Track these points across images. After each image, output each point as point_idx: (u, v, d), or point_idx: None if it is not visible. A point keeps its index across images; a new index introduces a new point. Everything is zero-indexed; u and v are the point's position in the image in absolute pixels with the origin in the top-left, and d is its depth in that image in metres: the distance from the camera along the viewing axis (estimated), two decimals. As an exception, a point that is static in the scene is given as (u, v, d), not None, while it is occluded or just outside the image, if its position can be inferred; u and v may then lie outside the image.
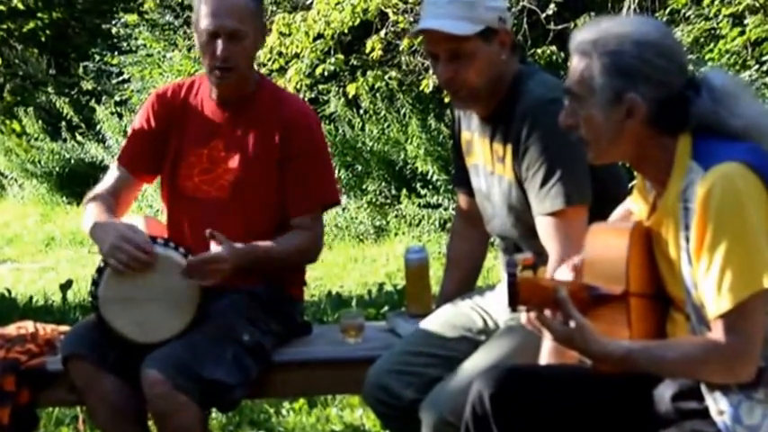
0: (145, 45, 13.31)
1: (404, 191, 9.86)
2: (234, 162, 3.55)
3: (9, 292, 7.43)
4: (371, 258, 9.23)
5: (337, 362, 3.53)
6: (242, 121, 3.58)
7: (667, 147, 2.49)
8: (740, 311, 2.33)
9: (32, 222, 12.87)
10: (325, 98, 10.63)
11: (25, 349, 3.55)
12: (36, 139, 13.89)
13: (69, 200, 13.72)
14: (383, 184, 10.35)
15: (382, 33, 9.59)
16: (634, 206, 2.70)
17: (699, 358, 2.39)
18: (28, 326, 3.74)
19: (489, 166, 3.18)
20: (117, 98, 13.82)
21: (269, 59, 10.15)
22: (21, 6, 10.16)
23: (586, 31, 2.52)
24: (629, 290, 2.48)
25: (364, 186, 10.36)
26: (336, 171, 12.41)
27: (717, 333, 2.37)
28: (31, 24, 10.46)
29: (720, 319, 2.35)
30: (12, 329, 3.72)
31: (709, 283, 2.36)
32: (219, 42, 3.44)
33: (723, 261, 2.33)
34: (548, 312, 2.49)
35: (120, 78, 14.08)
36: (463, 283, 3.48)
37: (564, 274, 2.66)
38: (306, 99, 11.60)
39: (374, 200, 10.35)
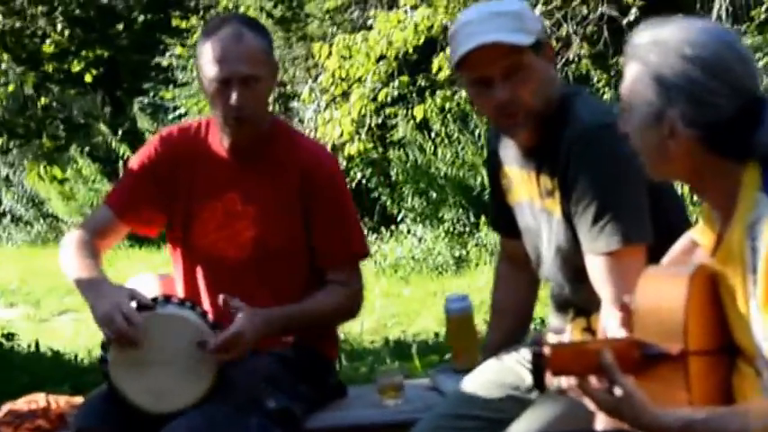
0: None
1: (483, 218, 9.71)
2: (253, 216, 3.43)
3: (56, 352, 7.41)
4: (452, 292, 9.10)
5: (374, 427, 3.40)
6: (257, 169, 3.45)
7: (730, 174, 2.31)
8: None
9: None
10: (393, 122, 10.54)
11: (35, 426, 3.48)
12: (93, 182, 14.00)
13: (131, 243, 13.78)
14: (460, 211, 10.26)
15: (449, 51, 9.44)
16: (699, 237, 2.52)
17: None
18: (39, 399, 3.66)
19: (538, 202, 3.01)
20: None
21: (331, 84, 10.09)
22: (50, 49, 10.25)
23: (642, 35, 2.38)
24: (688, 348, 2.29)
25: (440, 215, 10.29)
26: (410, 199, 12.35)
27: None
28: (76, 66, 10.55)
29: None
30: (22, 403, 3.65)
31: None
32: (232, 90, 3.31)
33: None
34: (593, 379, 2.30)
35: (177, 113, 14.15)
36: (510, 334, 3.30)
37: (611, 322, 2.47)
38: (372, 124, 11.56)
39: (452, 229, 10.25)
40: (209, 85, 3.34)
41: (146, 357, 3.18)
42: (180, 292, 3.52)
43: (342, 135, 11.74)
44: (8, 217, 20.58)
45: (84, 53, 10.90)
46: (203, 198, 3.47)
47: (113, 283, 3.30)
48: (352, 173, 13.22)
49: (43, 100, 11.27)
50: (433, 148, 10.35)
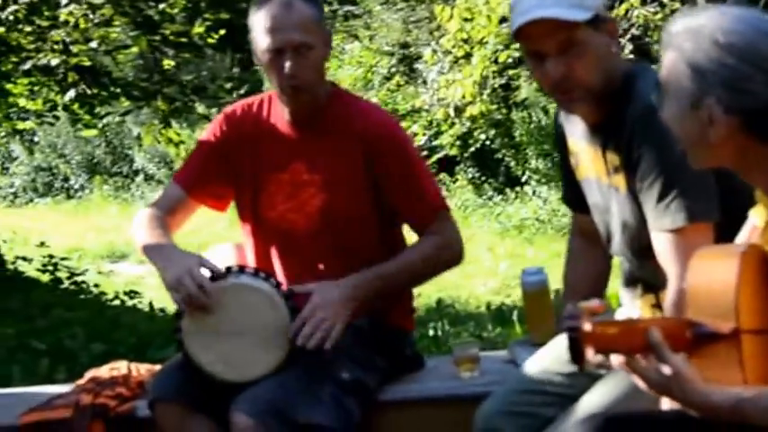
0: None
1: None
2: (319, 184, 3.44)
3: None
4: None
5: (447, 399, 3.38)
6: (320, 138, 3.45)
7: None
8: None
9: (222, 228, 13.15)
10: (516, 84, 10.46)
11: (115, 393, 3.53)
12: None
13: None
14: (585, 170, 10.12)
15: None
16: (757, 218, 2.47)
17: None
18: (121, 367, 3.73)
19: (605, 179, 2.97)
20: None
21: (453, 46, 10.05)
22: (173, 11, 10.39)
23: (677, 23, 2.35)
24: (741, 326, 2.22)
25: (565, 175, 10.14)
26: (533, 161, 12.24)
27: None
28: (198, 28, 10.67)
29: None
30: (104, 371, 3.71)
31: None
32: (286, 58, 3.31)
33: None
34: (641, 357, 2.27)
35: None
36: None
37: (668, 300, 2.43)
38: (496, 86, 11.48)
39: (576, 189, 10.13)
40: (263, 56, 3.35)
41: (219, 327, 3.20)
42: (252, 264, 3.53)
43: (464, 96, 11.72)
44: (141, 176, 21.17)
45: (207, 15, 10.99)
46: (269, 170, 3.48)
47: (183, 249, 3.32)
48: (475, 134, 13.21)
49: (168, 63, 11.40)
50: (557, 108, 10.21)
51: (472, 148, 13.35)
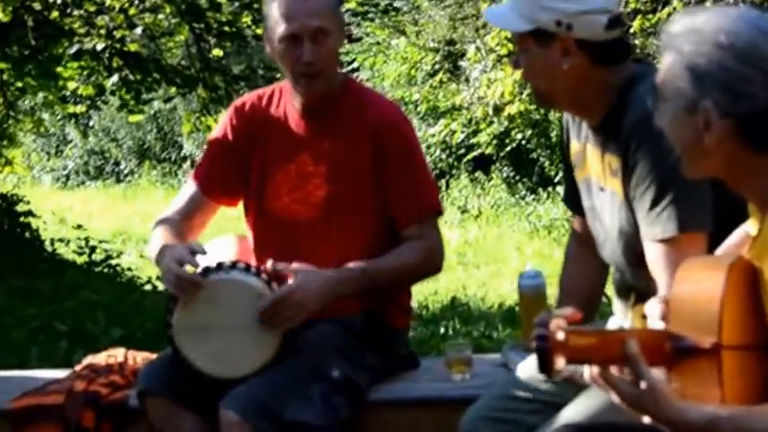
0: (370, 33, 13.38)
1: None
2: (324, 175, 3.36)
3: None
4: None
5: (437, 401, 3.29)
6: (328, 130, 3.38)
7: (766, 170, 2.17)
8: None
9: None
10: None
11: (108, 381, 3.47)
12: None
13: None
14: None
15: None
16: (751, 229, 2.34)
17: None
18: (118, 354, 3.67)
19: (601, 181, 2.87)
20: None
21: (497, 44, 9.94)
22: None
23: (677, 23, 2.24)
24: (722, 342, 2.11)
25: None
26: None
27: None
28: (245, 18, 10.64)
29: None
30: (101, 358, 3.65)
31: None
32: (302, 45, 3.25)
33: None
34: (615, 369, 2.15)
35: (350, 68, 14.19)
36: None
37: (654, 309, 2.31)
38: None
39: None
40: (279, 44, 3.29)
41: (209, 323, 3.15)
42: (253, 255, 3.46)
43: (503, 95, 11.60)
44: (188, 162, 21.23)
45: (254, 6, 10.97)
46: (276, 161, 3.41)
47: (177, 244, 3.26)
48: (512, 133, 13.08)
49: (217, 52, 11.38)
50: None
51: (508, 148, 13.24)
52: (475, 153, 13.74)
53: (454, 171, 14.22)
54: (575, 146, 3.01)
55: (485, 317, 6.82)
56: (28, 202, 11.80)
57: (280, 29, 3.26)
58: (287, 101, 3.44)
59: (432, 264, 3.39)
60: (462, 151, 13.91)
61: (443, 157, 14.34)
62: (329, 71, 3.32)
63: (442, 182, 14.19)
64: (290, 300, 3.13)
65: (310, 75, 3.28)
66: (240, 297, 3.15)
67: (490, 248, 11.37)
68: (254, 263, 3.36)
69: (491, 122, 12.84)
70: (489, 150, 13.51)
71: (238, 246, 3.49)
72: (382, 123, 3.36)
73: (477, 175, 13.89)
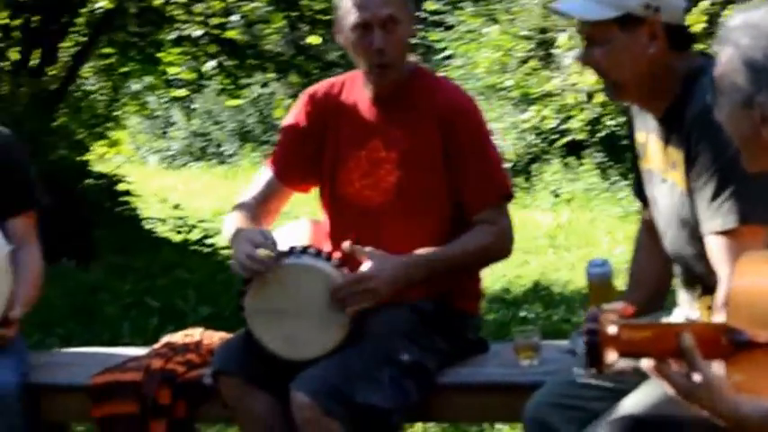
0: (464, 21, 13.34)
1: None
2: (395, 161, 3.36)
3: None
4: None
5: (503, 386, 3.25)
6: (398, 117, 3.38)
7: None
8: None
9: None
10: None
11: (185, 360, 3.48)
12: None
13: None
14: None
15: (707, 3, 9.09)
16: None
17: None
18: (195, 333, 3.68)
19: (662, 173, 2.83)
20: (440, 74, 13.91)
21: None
22: None
23: (735, 18, 2.20)
24: None
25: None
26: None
27: None
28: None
29: None
30: (179, 337, 3.68)
31: None
32: (373, 33, 3.26)
33: None
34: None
35: (443, 55, 14.16)
36: (647, 304, 3.07)
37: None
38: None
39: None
40: (351, 34, 3.30)
41: (280, 306, 3.17)
42: (328, 241, 3.47)
43: (596, 82, 11.45)
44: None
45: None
46: (348, 148, 3.42)
47: (252, 228, 3.30)
48: (604, 119, 12.94)
49: (314, 39, 11.46)
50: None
51: (601, 134, 13.11)
52: (567, 139, 13.63)
53: (546, 156, 14.13)
54: (639, 136, 2.97)
55: (566, 301, 6.76)
56: (129, 182, 11.98)
57: (351, 17, 3.27)
58: (359, 88, 3.44)
59: (500, 249, 3.38)
60: (555, 137, 13.80)
61: (536, 142, 14.26)
62: (399, 60, 3.32)
63: (534, 166, 14.12)
64: (362, 284, 3.15)
65: (382, 65, 3.29)
66: (311, 281, 3.17)
67: (581, 232, 11.28)
68: (328, 247, 3.37)
69: (583, 109, 12.71)
70: (581, 136, 13.39)
71: (312, 230, 3.50)
72: (451, 110, 3.35)
73: (569, 160, 13.78)
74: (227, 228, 3.38)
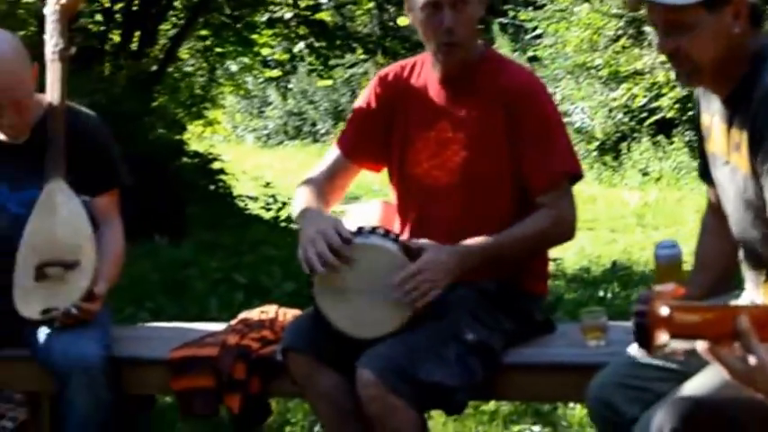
0: (554, 1, 13.22)
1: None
2: (462, 141, 3.35)
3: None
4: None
5: (569, 366, 3.23)
6: (466, 98, 3.37)
7: None
8: None
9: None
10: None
11: (260, 336, 3.52)
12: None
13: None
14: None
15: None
16: None
17: None
18: (270, 310, 3.72)
19: (725, 156, 2.77)
20: (530, 54, 13.85)
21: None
22: None
23: None
24: None
25: None
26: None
27: None
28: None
29: None
30: (255, 313, 3.72)
31: None
32: (443, 13, 3.24)
33: None
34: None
35: (534, 34, 14.05)
36: (707, 289, 3.02)
37: None
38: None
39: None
40: (420, 13, 3.29)
41: (348, 285, 3.18)
42: (397, 221, 3.49)
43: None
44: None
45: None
46: (417, 129, 3.42)
47: (324, 213, 3.33)
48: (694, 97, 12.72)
49: (403, 20, 11.49)
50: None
51: (691, 112, 12.87)
52: (657, 117, 13.43)
53: (635, 135, 13.94)
54: (705, 119, 2.92)
55: (645, 280, 6.67)
56: (224, 161, 12.09)
57: None
58: (428, 70, 3.44)
59: (559, 233, 3.35)
60: (644, 115, 13.60)
61: (625, 120, 14.07)
62: (468, 40, 3.31)
63: (623, 145, 13.94)
64: (421, 277, 3.13)
65: (450, 44, 3.28)
66: (378, 261, 3.18)
67: (669, 211, 11.12)
68: (398, 227, 3.39)
69: (673, 87, 12.50)
70: (671, 114, 13.17)
71: (383, 211, 3.52)
72: (516, 91, 3.33)
73: (658, 138, 13.57)
74: (296, 203, 3.42)
